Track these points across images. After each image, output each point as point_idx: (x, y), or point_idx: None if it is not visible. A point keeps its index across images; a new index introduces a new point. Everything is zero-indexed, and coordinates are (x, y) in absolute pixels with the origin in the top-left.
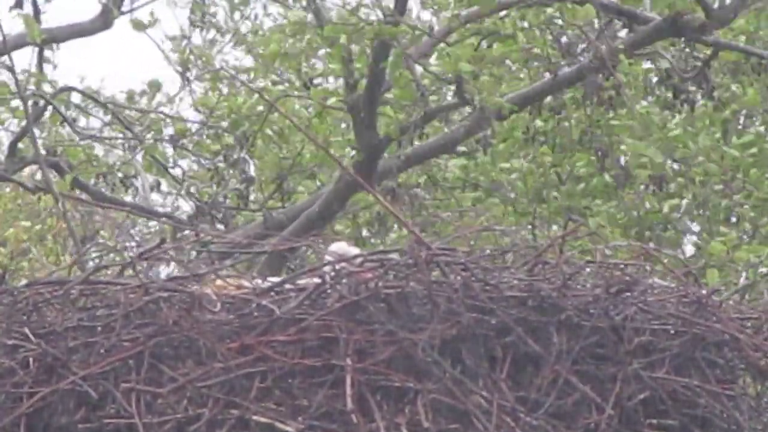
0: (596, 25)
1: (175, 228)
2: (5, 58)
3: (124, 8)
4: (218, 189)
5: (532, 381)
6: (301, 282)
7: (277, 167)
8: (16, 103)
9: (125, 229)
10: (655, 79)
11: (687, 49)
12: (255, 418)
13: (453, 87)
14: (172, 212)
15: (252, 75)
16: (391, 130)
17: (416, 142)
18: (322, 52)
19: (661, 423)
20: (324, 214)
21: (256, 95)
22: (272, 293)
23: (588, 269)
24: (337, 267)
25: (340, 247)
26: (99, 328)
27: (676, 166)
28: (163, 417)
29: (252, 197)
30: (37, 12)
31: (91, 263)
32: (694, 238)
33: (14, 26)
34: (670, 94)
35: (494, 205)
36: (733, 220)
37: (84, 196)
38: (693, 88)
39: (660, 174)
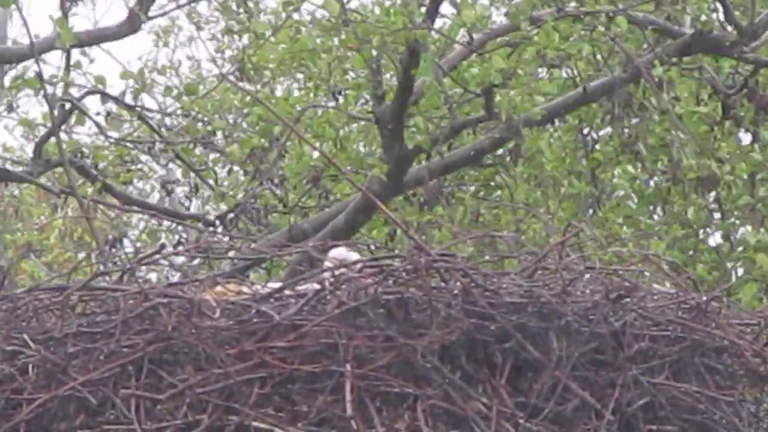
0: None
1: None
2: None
3: (151, 13)
4: (252, 188)
5: (532, 386)
6: (301, 288)
7: (310, 168)
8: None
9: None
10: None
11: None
12: (254, 424)
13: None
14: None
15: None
16: (421, 141)
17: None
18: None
19: (660, 429)
20: (350, 224)
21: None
22: (272, 299)
23: (587, 275)
24: (337, 273)
25: (340, 252)
26: (98, 334)
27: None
28: (162, 423)
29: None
30: (65, 14)
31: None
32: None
33: (40, 28)
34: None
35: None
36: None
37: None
38: (744, 103)
39: (708, 175)
